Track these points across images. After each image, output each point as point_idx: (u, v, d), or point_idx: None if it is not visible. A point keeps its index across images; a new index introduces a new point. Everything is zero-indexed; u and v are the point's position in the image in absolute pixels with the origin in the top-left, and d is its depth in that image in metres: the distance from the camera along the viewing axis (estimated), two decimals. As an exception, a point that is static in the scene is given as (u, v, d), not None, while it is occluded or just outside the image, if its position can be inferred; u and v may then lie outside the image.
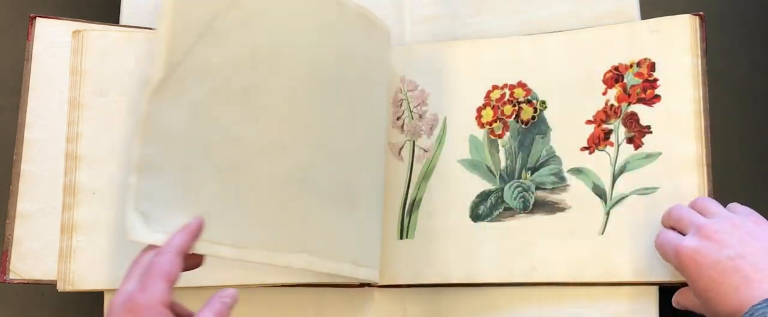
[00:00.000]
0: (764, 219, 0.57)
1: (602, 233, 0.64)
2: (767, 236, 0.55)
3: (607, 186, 0.65)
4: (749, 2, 0.75)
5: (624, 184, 0.64)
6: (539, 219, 0.66)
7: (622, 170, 0.65)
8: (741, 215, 0.58)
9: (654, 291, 0.64)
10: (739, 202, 0.60)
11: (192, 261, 0.55)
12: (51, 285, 0.65)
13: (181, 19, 0.56)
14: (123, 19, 0.73)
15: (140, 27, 0.71)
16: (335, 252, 0.62)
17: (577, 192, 0.65)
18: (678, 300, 0.61)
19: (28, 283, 0.66)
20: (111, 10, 0.74)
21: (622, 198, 0.64)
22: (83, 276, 0.65)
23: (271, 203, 0.59)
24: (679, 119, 0.64)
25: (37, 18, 0.69)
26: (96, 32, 0.68)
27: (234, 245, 0.57)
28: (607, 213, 0.64)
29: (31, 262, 0.66)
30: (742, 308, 0.51)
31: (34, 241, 0.66)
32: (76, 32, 0.67)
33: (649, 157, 0.64)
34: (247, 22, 0.58)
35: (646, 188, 0.64)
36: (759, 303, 0.50)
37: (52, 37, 0.69)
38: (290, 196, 0.60)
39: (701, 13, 0.65)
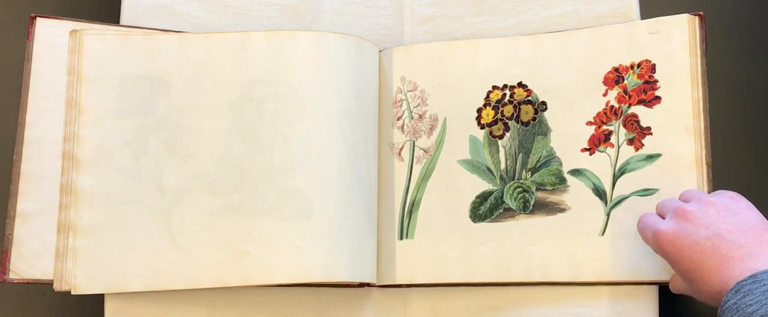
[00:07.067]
0: (741, 196, 0.57)
1: (602, 233, 0.64)
2: (743, 211, 0.55)
3: (607, 187, 0.65)
4: (749, 2, 0.75)
5: (624, 185, 0.64)
6: (539, 220, 0.66)
7: (622, 172, 0.65)
8: (717, 194, 0.57)
9: (654, 291, 0.65)
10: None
11: None
12: (51, 285, 0.65)
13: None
14: (123, 19, 0.73)
15: (140, 27, 0.71)
16: (292, 261, 0.63)
17: (577, 193, 0.65)
18: (672, 285, 0.61)
19: (27, 283, 0.66)
20: (111, 10, 0.74)
21: (623, 199, 0.64)
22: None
23: (207, 234, 0.65)
24: (679, 120, 0.64)
25: (37, 18, 0.69)
26: (93, 32, 0.67)
27: (184, 279, 0.64)
28: (608, 214, 0.64)
29: (30, 262, 0.66)
30: (726, 286, 0.51)
31: (34, 241, 0.66)
32: (73, 32, 0.67)
33: (650, 158, 0.64)
34: (164, 96, 0.67)
35: (647, 190, 0.64)
36: (744, 279, 0.50)
37: (52, 37, 0.69)
38: (223, 223, 0.65)
39: (701, 13, 0.65)
